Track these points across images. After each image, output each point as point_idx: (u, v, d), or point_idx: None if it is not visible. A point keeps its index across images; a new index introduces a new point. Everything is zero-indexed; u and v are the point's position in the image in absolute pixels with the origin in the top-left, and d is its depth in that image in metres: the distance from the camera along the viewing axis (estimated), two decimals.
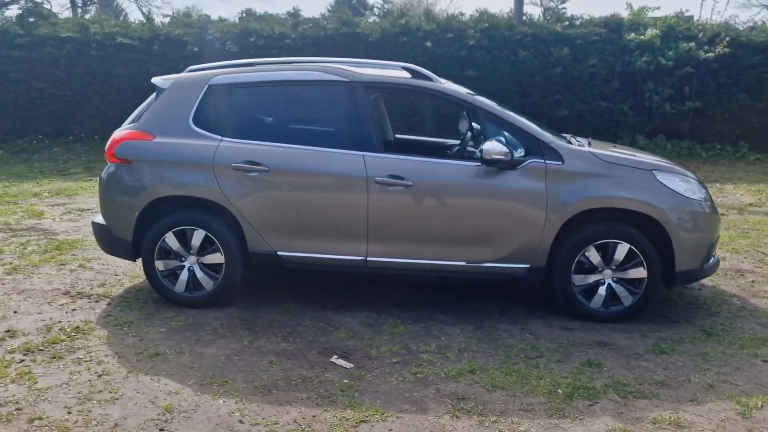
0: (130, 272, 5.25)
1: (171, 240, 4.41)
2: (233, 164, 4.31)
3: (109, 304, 4.58)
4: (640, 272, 4.23)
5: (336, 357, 3.76)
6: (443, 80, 4.57)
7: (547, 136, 4.31)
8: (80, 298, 4.70)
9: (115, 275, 5.22)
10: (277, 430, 2.98)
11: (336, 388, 3.38)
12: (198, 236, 4.39)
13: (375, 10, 13.06)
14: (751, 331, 4.18)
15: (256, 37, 12.21)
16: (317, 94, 4.50)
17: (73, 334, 4.03)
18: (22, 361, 3.66)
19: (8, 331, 4.08)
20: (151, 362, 3.66)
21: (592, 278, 4.29)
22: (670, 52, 11.38)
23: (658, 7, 12.18)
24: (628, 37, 11.61)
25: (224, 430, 2.98)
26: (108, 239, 4.61)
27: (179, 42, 12.31)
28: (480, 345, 3.93)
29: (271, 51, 12.02)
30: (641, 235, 4.21)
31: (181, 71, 4.86)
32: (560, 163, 4.20)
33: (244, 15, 13.89)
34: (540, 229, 4.19)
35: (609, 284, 4.28)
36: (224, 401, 3.23)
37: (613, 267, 4.25)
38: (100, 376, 3.49)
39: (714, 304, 4.66)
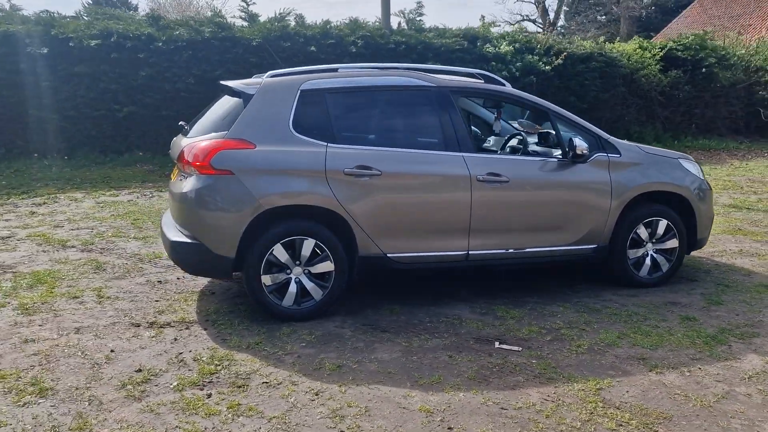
0: (164, 296, 4.81)
1: (279, 252, 4.22)
2: (346, 170, 4.28)
3: (204, 329, 4.20)
4: (674, 243, 5.15)
5: (498, 343, 4.02)
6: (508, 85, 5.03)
7: (604, 134, 5.02)
8: (161, 327, 4.22)
9: (156, 301, 4.73)
10: (538, 409, 3.21)
11: (535, 368, 3.67)
12: (308, 246, 4.26)
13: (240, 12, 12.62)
14: (746, 280, 5.35)
15: (118, 37, 11.13)
16: (408, 99, 4.64)
17: (219, 362, 3.68)
18: (209, 396, 3.30)
19: (138, 370, 3.58)
20: (342, 374, 3.56)
21: (641, 252, 5.11)
22: (518, 64, 13.01)
23: (500, 24, 13.79)
24: (485, 49, 13.00)
25: (503, 419, 3.13)
26: (202, 258, 4.21)
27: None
28: (590, 317, 4.48)
29: (138, 55, 11.11)
30: (673, 211, 5.14)
31: None
32: (618, 155, 4.94)
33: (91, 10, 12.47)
34: (606, 213, 4.88)
35: (651, 255, 5.14)
36: (464, 395, 3.34)
37: (654, 240, 5.12)
38: (317, 394, 3.33)
39: (696, 267, 5.80)
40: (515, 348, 3.95)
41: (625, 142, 5.17)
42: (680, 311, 4.61)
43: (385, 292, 4.88)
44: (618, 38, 15.86)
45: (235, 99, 4.44)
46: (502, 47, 13.02)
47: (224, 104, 4.59)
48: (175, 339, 4.04)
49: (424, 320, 4.39)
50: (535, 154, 5.04)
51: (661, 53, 14.47)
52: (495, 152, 5.05)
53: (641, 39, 15.50)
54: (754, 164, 12.47)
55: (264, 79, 4.47)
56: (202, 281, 5.18)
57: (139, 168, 10.97)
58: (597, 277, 5.23)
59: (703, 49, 14.82)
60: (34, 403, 3.20)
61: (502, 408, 3.22)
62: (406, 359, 3.78)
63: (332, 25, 12.42)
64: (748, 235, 6.92)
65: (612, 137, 5.07)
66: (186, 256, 4.27)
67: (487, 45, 13.11)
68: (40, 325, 4.25)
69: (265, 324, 4.26)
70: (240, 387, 3.40)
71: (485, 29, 13.59)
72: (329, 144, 4.31)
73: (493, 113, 5.73)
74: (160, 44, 11.23)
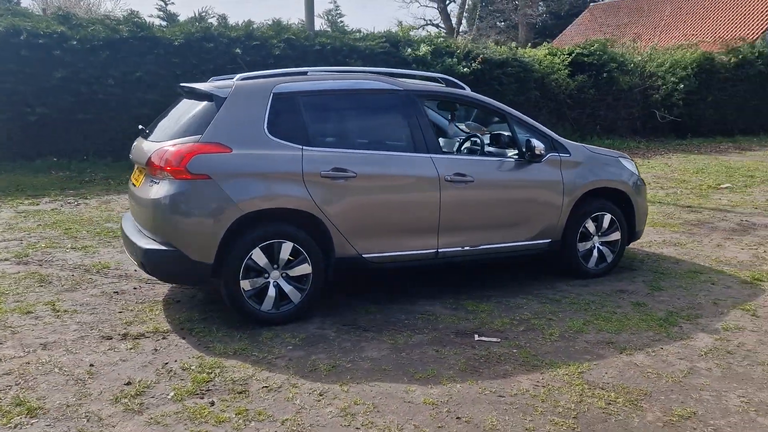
0: (126, 307, 4.66)
1: (258, 256, 4.20)
2: (322, 172, 4.32)
3: (182, 338, 4.10)
4: (617, 235, 5.57)
5: (477, 336, 4.21)
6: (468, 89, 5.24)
7: (555, 135, 5.34)
8: (136, 338, 4.09)
9: (119, 312, 4.56)
10: (532, 395, 3.42)
11: (518, 356, 3.89)
12: (286, 249, 4.27)
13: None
14: (676, 267, 5.87)
15: (28, 36, 10.45)
16: (378, 102, 4.74)
17: (210, 370, 3.63)
18: (212, 404, 3.25)
19: (128, 383, 3.46)
20: (339, 374, 3.61)
21: (589, 244, 5.48)
22: (438, 67, 13.40)
23: (418, 28, 14.14)
24: (405, 52, 13.29)
25: (504, 406, 3.30)
26: (177, 265, 4.10)
27: None
28: (553, 307, 4.77)
29: (54, 52, 10.49)
30: (615, 206, 5.55)
31: None
32: (568, 155, 5.28)
33: None
34: (559, 209, 5.21)
35: (598, 247, 5.54)
36: (461, 386, 3.49)
37: (599, 234, 5.51)
38: (321, 395, 3.36)
39: (631, 257, 6.29)
40: (494, 339, 4.15)
41: (572, 142, 5.52)
42: (630, 298, 5.00)
43: (355, 292, 4.96)
44: (514, 43, 16.67)
45: (204, 102, 4.36)
46: (421, 50, 13.36)
47: (190, 107, 4.49)
48: (155, 350, 3.92)
49: (401, 318, 4.51)
50: (490, 154, 5.29)
51: (569, 59, 15.37)
52: (453, 153, 5.24)
53: (550, 46, 16.38)
54: (655, 162, 13.53)
55: (235, 82, 4.42)
56: (161, 290, 5.03)
57: (54, 175, 10.34)
58: (545, 270, 5.55)
59: (605, 55, 15.88)
60: (26, 424, 3.03)
61: (499, 396, 3.40)
62: (396, 356, 3.88)
63: (255, 26, 12.27)
64: (667, 227, 7.55)
65: (561, 138, 5.41)
66: (161, 264, 4.15)
67: (408, 48, 13.40)
68: (1, 343, 3.99)
69: (243, 329, 4.22)
70: (241, 393, 3.37)
71: (405, 33, 13.88)
72: (304, 147, 4.34)
73: (446, 116, 5.94)
74: (75, 43, 10.65)
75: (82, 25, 11.04)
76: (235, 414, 3.15)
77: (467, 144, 5.63)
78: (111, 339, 4.09)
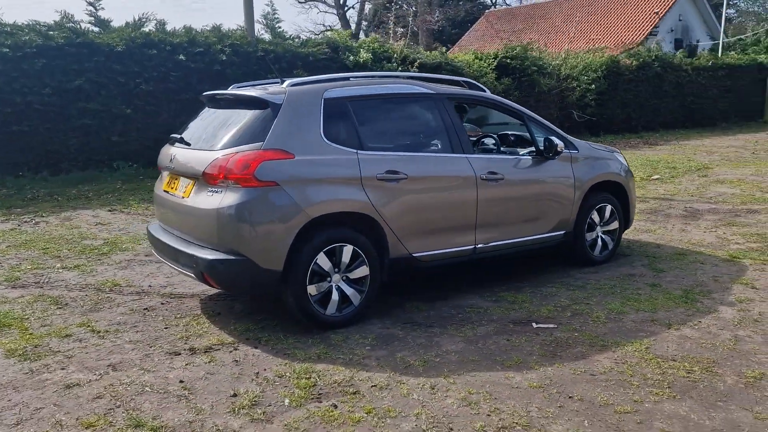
0: (170, 323, 4.52)
1: (323, 260, 4.23)
2: (378, 175, 4.40)
3: (254, 347, 4.05)
4: (616, 224, 6.04)
5: (534, 324, 4.45)
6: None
7: (564, 133, 5.71)
8: (206, 352, 3.99)
9: (165, 328, 4.41)
10: (619, 371, 3.70)
11: (583, 339, 4.16)
12: (347, 252, 4.32)
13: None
14: (661, 251, 6.43)
15: None
16: (417, 106, 4.89)
17: (307, 375, 3.62)
18: (335, 406, 3.27)
19: (234, 395, 3.40)
20: (435, 368, 3.72)
21: (594, 234, 5.90)
22: (378, 70, 13.63)
23: (318, 34, 14.33)
24: (347, 59, 13.40)
25: (602, 383, 3.56)
26: (246, 274, 4.04)
27: None
28: (582, 293, 5.10)
29: None
30: (614, 198, 6.01)
31: None
32: (577, 151, 5.67)
33: None
34: (572, 202, 5.58)
35: (601, 236, 5.97)
36: (552, 369, 3.71)
37: (602, 224, 5.95)
38: (432, 388, 3.46)
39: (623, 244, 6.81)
40: (551, 326, 4.42)
41: (578, 140, 5.91)
42: (642, 280, 5.44)
43: (396, 293, 5.05)
44: (444, 48, 17.35)
45: (256, 109, 4.31)
46: (361, 56, 13.53)
47: (237, 114, 4.43)
48: (236, 361, 3.85)
49: (452, 313, 4.67)
50: (504, 153, 5.57)
51: (495, 63, 16.10)
52: (482, 153, 5.45)
53: (476, 51, 17.06)
54: None
55: (287, 88, 4.40)
56: (191, 303, 4.90)
57: None
58: (549, 262, 5.91)
59: (527, 60, 16.77)
60: None
61: (591, 374, 3.66)
62: (474, 347, 4.04)
63: (196, 31, 11.93)
64: None
65: (569, 136, 5.79)
66: (228, 274, 4.06)
67: (348, 54, 13.52)
68: (63, 368, 3.76)
69: (310, 335, 4.22)
70: (355, 394, 3.41)
71: (343, 39, 13.99)
72: (359, 151, 4.40)
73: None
74: (7, 50, 9.90)
75: (8, 32, 10.25)
76: (366, 413, 3.19)
77: (480, 144, 5.87)
78: (180, 354, 3.96)
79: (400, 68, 14.03)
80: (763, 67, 23.23)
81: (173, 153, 4.56)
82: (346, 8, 49.68)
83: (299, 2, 55.38)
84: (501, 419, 3.15)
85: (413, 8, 48.48)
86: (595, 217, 5.84)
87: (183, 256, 4.25)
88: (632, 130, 19.22)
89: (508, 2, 55.44)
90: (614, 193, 6.00)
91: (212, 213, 4.06)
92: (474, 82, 5.48)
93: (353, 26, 46.18)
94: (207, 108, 4.91)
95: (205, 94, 4.89)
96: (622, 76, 18.77)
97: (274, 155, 4.08)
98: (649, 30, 30.19)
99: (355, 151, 4.39)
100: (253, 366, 3.77)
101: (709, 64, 21.28)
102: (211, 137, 4.42)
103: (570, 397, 3.38)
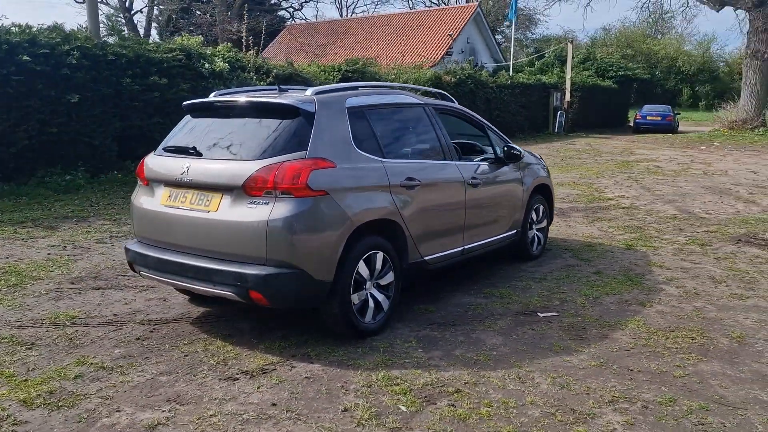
0: (191, 349, 4.18)
1: (363, 269, 4.22)
2: (401, 182, 4.50)
3: (309, 363, 3.90)
4: (545, 222, 6.78)
5: (540, 314, 4.89)
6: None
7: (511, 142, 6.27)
8: (263, 373, 3.76)
9: (187, 356, 4.06)
10: (642, 344, 4.27)
11: (590, 322, 4.68)
12: (379, 259, 4.36)
13: None
14: (572, 243, 7.33)
15: None
16: (414, 115, 5.04)
17: (392, 384, 3.62)
18: (453, 405, 3.33)
19: (345, 410, 3.29)
20: (499, 361, 3.95)
21: (532, 233, 6.56)
22: (234, 80, 13.27)
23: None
24: (202, 66, 12.81)
25: (639, 355, 4.08)
26: (301, 288, 3.87)
27: None
28: (550, 284, 5.66)
29: None
30: (544, 198, 6.74)
31: None
32: (523, 158, 6.27)
33: None
34: (522, 203, 6.18)
35: (536, 234, 6.66)
36: (591, 349, 4.16)
37: (537, 222, 6.64)
38: (519, 378, 3.69)
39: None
40: (554, 314, 4.89)
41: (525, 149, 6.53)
42: (584, 269, 6.20)
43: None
44: (291, 59, 17.38)
45: (285, 117, 4.14)
46: (216, 64, 13.04)
47: (260, 122, 4.20)
48: (308, 378, 3.69)
49: (460, 311, 4.92)
50: (466, 160, 5.96)
51: (339, 75, 16.54)
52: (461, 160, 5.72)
53: (320, 64, 17.33)
54: None
55: (313, 96, 4.28)
56: (184, 329, 4.50)
57: None
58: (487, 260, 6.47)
59: (366, 73, 17.47)
60: None
61: (625, 349, 4.17)
62: (513, 339, 4.34)
63: (34, 29, 10.53)
64: None
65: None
66: (284, 289, 3.85)
67: (203, 61, 12.94)
68: (118, 411, 3.28)
69: (354, 344, 4.18)
70: (457, 392, 3.51)
71: (196, 46, 13.32)
72: (383, 159, 4.46)
73: None
74: None
75: None
76: (487, 407, 3.32)
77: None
78: (238, 379, 3.68)
79: (255, 78, 13.77)
80: (546, 86, 26.87)
81: (186, 164, 4.16)
82: (133, 12, 46.56)
83: (77, 2, 50.48)
84: (601, 395, 3.50)
85: (211, 16, 47.13)
86: (534, 216, 6.50)
87: (218, 274, 3.92)
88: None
89: (306, 17, 56.49)
90: (543, 195, 6.72)
91: (259, 226, 3.82)
92: (446, 93, 5.79)
93: (141, 31, 43.52)
94: (199, 117, 4.56)
95: (212, 99, 4.53)
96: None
97: (321, 164, 3.98)
98: (445, 50, 33.04)
99: (381, 159, 4.44)
100: (331, 380, 3.66)
101: (509, 82, 24.07)
102: (236, 146, 4.14)
103: (630, 370, 3.85)
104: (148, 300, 5.16)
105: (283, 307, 4.24)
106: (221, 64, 13.04)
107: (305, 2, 54.12)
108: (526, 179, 6.22)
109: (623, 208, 9.79)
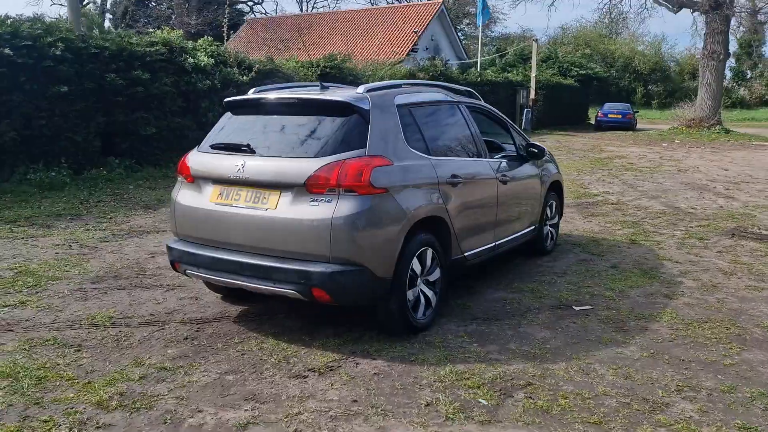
0: (246, 349, 4.16)
1: (416, 265, 4.26)
2: (447, 179, 4.56)
3: (373, 359, 3.93)
4: (557, 218, 6.94)
5: (575, 307, 5.02)
6: None
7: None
8: (331, 370, 3.77)
9: (243, 355, 4.03)
10: (681, 335, 4.44)
11: (624, 314, 4.83)
12: (429, 255, 4.41)
13: None
14: (581, 238, 7.52)
15: None
16: (450, 113, 5.09)
17: (464, 378, 3.68)
18: (530, 397, 3.41)
19: (427, 404, 3.33)
20: (557, 354, 4.05)
21: (546, 228, 6.71)
22: (218, 75, 13.08)
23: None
24: (185, 60, 12.55)
25: (683, 345, 4.25)
26: (365, 285, 3.89)
27: None
28: (573, 278, 5.81)
29: None
30: (556, 195, 6.90)
31: None
32: (543, 155, 6.40)
33: None
34: (541, 199, 6.31)
35: (549, 229, 6.81)
36: (637, 340, 4.30)
37: (550, 218, 6.80)
38: (582, 370, 3.80)
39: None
40: (588, 307, 5.03)
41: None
42: (600, 263, 6.38)
43: None
44: (269, 55, 17.15)
45: (339, 115, 4.13)
46: (200, 59, 12.82)
47: (314, 119, 4.18)
48: (377, 374, 3.71)
49: (497, 306, 5.00)
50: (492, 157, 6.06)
51: (318, 71, 16.44)
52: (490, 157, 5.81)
53: (299, 60, 17.18)
54: None
55: (365, 93, 4.28)
56: (229, 328, 4.46)
57: None
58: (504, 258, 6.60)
59: (344, 69, 17.43)
60: None
61: (669, 341, 4.33)
62: (559, 332, 4.45)
63: (19, 21, 10.14)
64: None
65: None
66: (349, 287, 3.85)
67: (186, 56, 12.68)
68: (200, 411, 3.24)
69: (404, 340, 4.22)
70: (528, 385, 3.59)
71: (178, 40, 13.03)
72: (430, 156, 4.50)
73: None
74: None
75: None
76: (563, 399, 3.41)
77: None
78: (306, 377, 3.68)
79: (237, 73, 13.58)
80: (513, 84, 27.31)
81: (240, 161, 4.10)
82: (85, 3, 45.17)
83: None
84: (666, 385, 3.63)
85: (168, 8, 46.07)
86: (549, 211, 6.65)
87: (278, 272, 3.90)
88: None
89: (266, 11, 55.76)
90: (555, 191, 6.88)
91: (323, 224, 3.82)
92: (473, 91, 5.86)
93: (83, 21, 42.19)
94: (242, 115, 4.52)
95: (258, 96, 4.47)
96: None
97: (381, 162, 4.00)
98: (410, 47, 33.15)
99: (428, 156, 4.48)
100: (400, 376, 3.69)
101: (478, 80, 24.35)
102: (292, 144, 4.11)
103: (682, 360, 4.00)
104: (180, 299, 5.08)
105: (345, 305, 4.24)
106: (205, 58, 12.82)
107: None
108: (544, 176, 6.36)
109: (611, 204, 10.07)
